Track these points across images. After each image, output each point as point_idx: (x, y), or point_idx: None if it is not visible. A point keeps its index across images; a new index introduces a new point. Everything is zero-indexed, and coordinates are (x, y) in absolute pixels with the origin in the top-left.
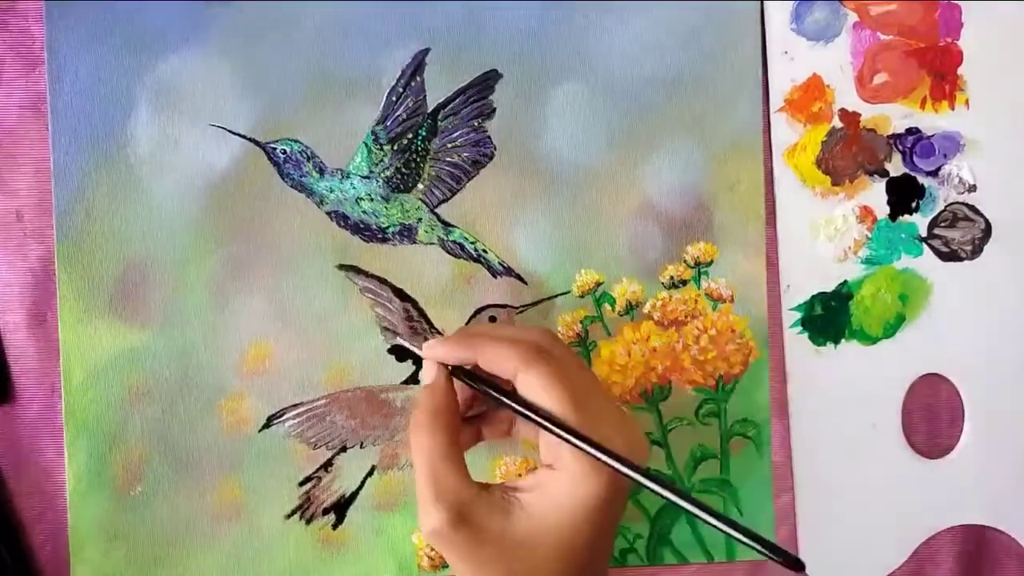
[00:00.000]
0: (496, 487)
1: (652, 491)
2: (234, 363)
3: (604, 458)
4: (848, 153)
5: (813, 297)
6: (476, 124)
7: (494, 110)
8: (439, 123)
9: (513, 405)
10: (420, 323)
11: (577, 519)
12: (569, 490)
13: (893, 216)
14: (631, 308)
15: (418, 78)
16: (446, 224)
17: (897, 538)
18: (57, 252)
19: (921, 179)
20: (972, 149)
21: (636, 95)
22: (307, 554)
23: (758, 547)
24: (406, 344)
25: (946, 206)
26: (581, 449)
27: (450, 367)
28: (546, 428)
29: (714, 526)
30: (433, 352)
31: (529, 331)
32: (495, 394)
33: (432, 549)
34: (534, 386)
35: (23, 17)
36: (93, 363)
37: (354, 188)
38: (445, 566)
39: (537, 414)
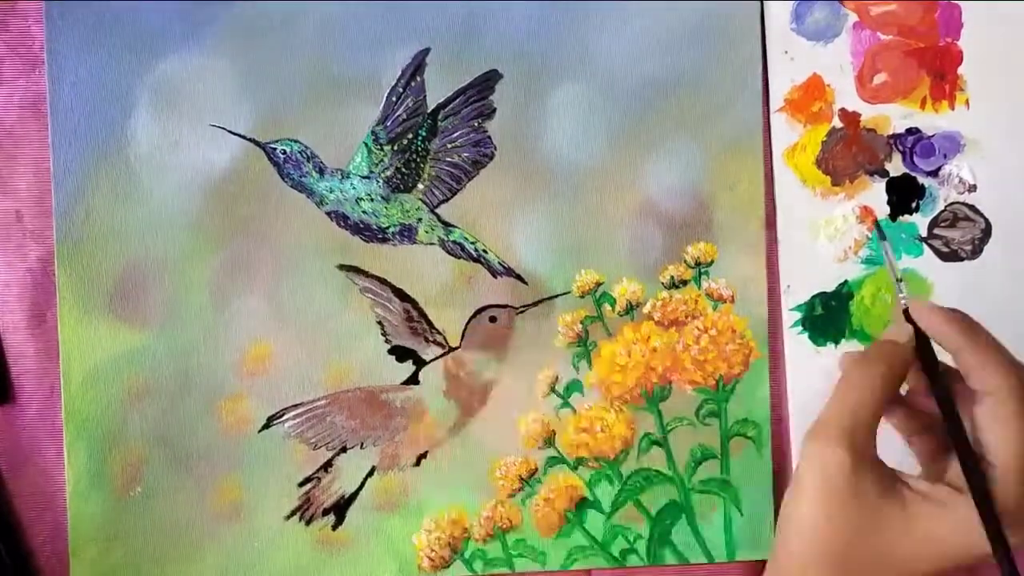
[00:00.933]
0: (890, 472)
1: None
2: (234, 363)
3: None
4: (848, 153)
5: (813, 297)
6: (476, 124)
7: (494, 110)
8: (439, 123)
9: (947, 413)
10: (420, 323)
11: (932, 552)
12: (958, 526)
13: (893, 216)
14: (631, 308)
15: (418, 78)
16: (446, 224)
17: None
18: (57, 252)
19: (921, 179)
20: (972, 149)
21: (636, 95)
22: (307, 555)
23: None
24: (891, 260)
25: (946, 206)
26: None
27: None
28: (969, 461)
29: None
30: (922, 312)
31: (1016, 361)
32: (938, 389)
33: (432, 550)
34: (997, 415)
35: (23, 17)
36: (93, 363)
37: (354, 188)
38: (445, 567)
39: (974, 440)
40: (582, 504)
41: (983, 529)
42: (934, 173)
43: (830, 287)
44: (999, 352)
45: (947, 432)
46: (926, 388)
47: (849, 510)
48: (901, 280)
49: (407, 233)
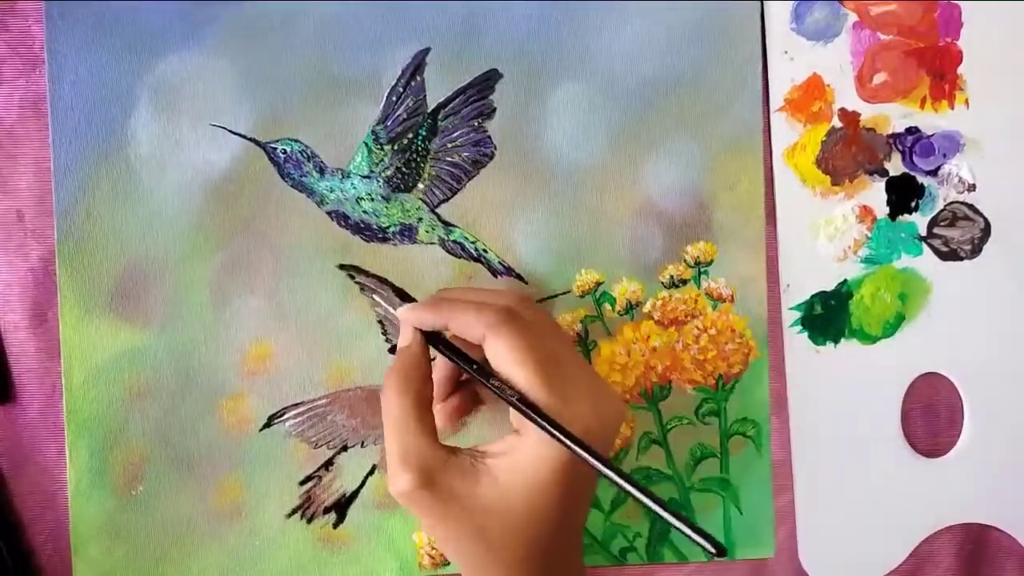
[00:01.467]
0: (465, 452)
1: (597, 470)
2: (235, 363)
3: (559, 436)
4: (848, 153)
5: (813, 297)
6: (476, 124)
7: (494, 110)
8: (439, 123)
9: (474, 374)
10: None
11: (544, 483)
12: (535, 455)
13: (893, 216)
14: (631, 308)
15: (418, 78)
16: (446, 224)
17: (896, 537)
18: (58, 252)
19: (921, 179)
20: (972, 149)
21: (636, 95)
22: (307, 553)
23: (684, 528)
24: (383, 305)
25: (945, 205)
26: (536, 423)
27: (424, 332)
28: (505, 399)
29: (645, 505)
30: (407, 316)
31: (501, 294)
32: (459, 362)
33: (433, 548)
34: (500, 352)
35: (23, 17)
36: (94, 363)
37: (354, 188)
38: (446, 564)
39: (501, 382)
40: None
41: (553, 437)
42: (933, 173)
43: (830, 286)
44: (467, 305)
45: (477, 378)
46: (451, 361)
47: (452, 517)
48: (386, 307)
49: (407, 233)
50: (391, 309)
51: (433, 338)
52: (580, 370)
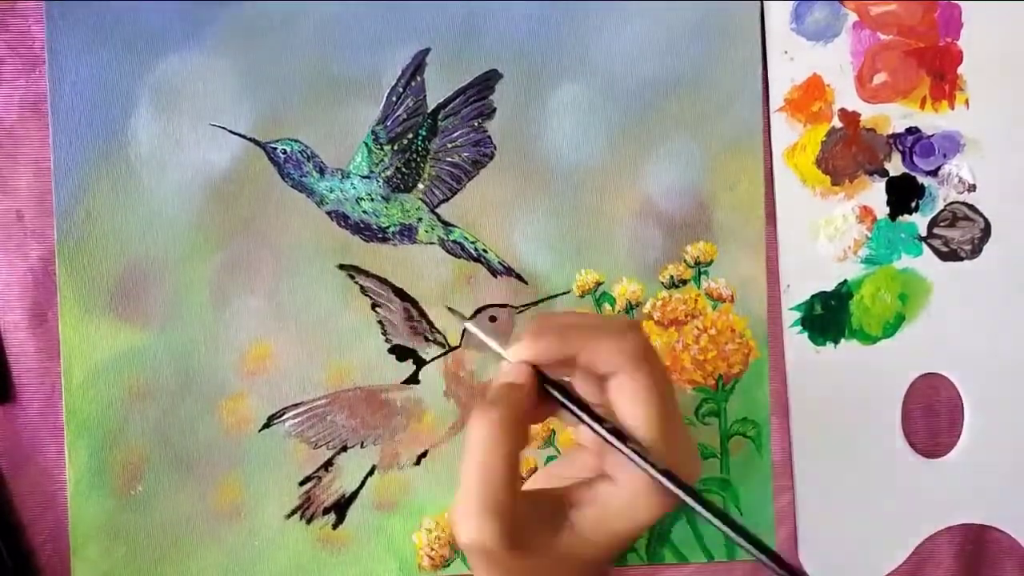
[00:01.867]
0: (547, 499)
1: (708, 520)
2: (234, 363)
3: (672, 487)
4: (848, 153)
5: (813, 297)
6: (476, 124)
7: (494, 110)
8: (439, 123)
9: (590, 423)
10: (420, 323)
11: (628, 535)
12: (628, 510)
13: (893, 216)
14: (631, 308)
15: (418, 78)
16: (446, 224)
17: (897, 537)
18: (57, 252)
19: (921, 179)
20: (972, 149)
21: (636, 95)
22: (307, 554)
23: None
24: (489, 343)
25: (946, 206)
26: (653, 477)
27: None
28: (621, 450)
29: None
30: (528, 351)
31: (628, 328)
32: (572, 408)
33: (432, 549)
34: (630, 392)
35: (23, 17)
36: (93, 363)
37: (354, 188)
38: (445, 566)
39: (613, 426)
40: None
41: (660, 484)
42: (934, 173)
43: (830, 287)
44: (600, 333)
45: (610, 436)
46: (559, 404)
47: (522, 566)
48: (495, 346)
49: (407, 233)
50: (500, 350)
51: (542, 376)
52: (681, 420)
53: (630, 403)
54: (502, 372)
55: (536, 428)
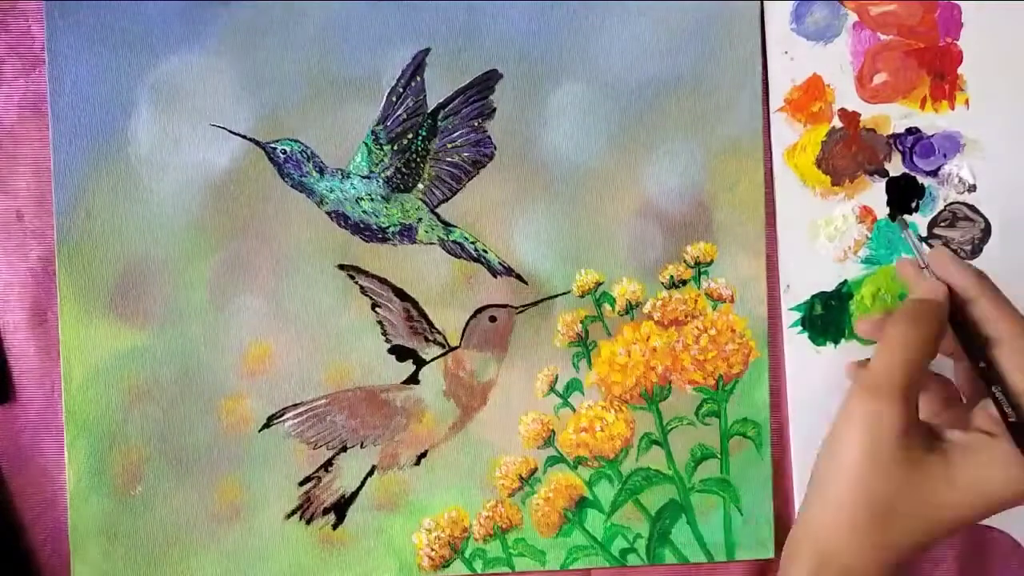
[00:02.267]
0: (928, 423)
1: None
2: (234, 363)
3: None
4: (848, 153)
5: (813, 297)
6: (476, 124)
7: (494, 110)
8: (439, 123)
9: (977, 369)
10: (420, 323)
11: (990, 500)
12: (1001, 466)
13: (893, 216)
14: (631, 308)
15: (418, 78)
16: (446, 224)
17: None
18: (57, 252)
19: (921, 179)
20: (972, 149)
21: (636, 95)
22: (307, 554)
23: None
24: (916, 248)
25: (946, 206)
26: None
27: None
28: (1000, 407)
29: None
30: (947, 265)
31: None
32: (967, 343)
33: (432, 549)
34: (1020, 366)
35: (23, 17)
36: (93, 363)
37: (354, 188)
38: (445, 566)
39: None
40: (582, 503)
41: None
42: (934, 173)
43: (830, 287)
44: (1009, 304)
45: (980, 377)
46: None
47: (898, 464)
48: (920, 251)
49: (407, 233)
50: (920, 256)
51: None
52: None
53: (1014, 370)
54: (918, 290)
55: (536, 428)
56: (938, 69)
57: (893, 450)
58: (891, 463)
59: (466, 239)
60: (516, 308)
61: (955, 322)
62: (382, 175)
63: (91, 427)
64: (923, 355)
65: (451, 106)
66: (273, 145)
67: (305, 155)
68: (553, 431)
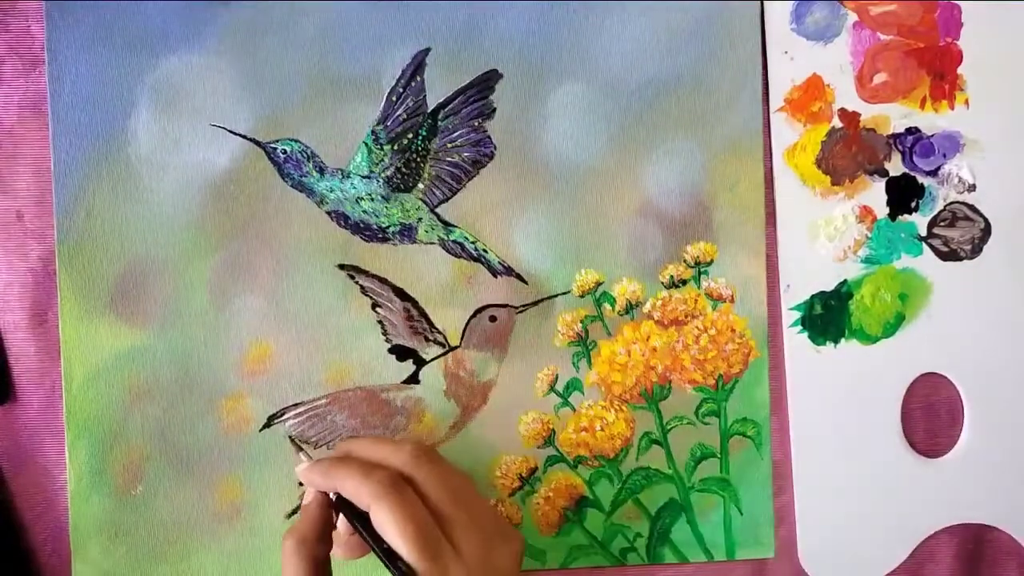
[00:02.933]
0: None
1: None
2: (234, 363)
3: None
4: (848, 153)
5: (813, 297)
6: (476, 124)
7: (494, 110)
8: (439, 123)
9: (367, 540)
10: (420, 323)
11: None
12: None
13: (893, 216)
14: (631, 308)
15: (418, 78)
16: (446, 224)
17: (896, 537)
18: (58, 252)
19: (921, 179)
20: (972, 149)
21: (636, 95)
22: None
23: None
24: (300, 456)
25: (945, 206)
26: None
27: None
28: (391, 570)
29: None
30: (304, 476)
31: (397, 452)
32: (354, 524)
33: None
34: (382, 525)
35: (23, 17)
36: (94, 362)
37: (354, 188)
38: None
39: (388, 551)
40: (582, 503)
41: None
42: (933, 173)
43: (830, 287)
44: (355, 472)
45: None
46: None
47: None
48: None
49: (407, 233)
50: (297, 464)
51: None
52: (471, 523)
53: (383, 533)
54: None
55: (536, 427)
56: (938, 69)
57: None
58: None
59: (466, 239)
60: (516, 308)
61: (344, 510)
62: (382, 175)
63: (91, 427)
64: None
65: (451, 106)
66: (273, 145)
67: (305, 155)
68: (553, 431)
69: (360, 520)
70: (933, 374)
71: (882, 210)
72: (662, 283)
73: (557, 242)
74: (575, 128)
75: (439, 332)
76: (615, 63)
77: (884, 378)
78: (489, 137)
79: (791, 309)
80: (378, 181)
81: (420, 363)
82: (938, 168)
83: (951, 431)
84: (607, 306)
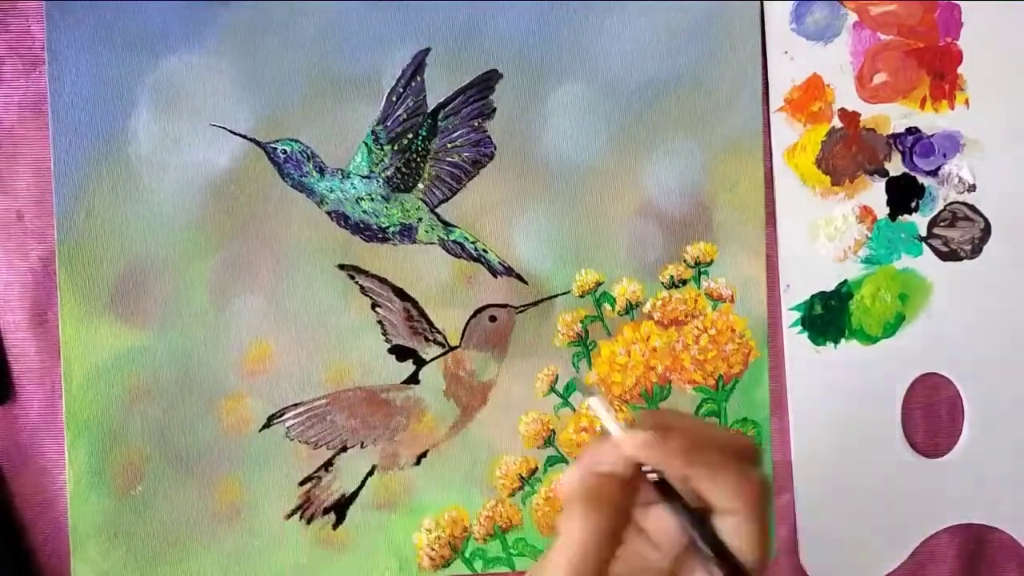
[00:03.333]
0: None
1: None
2: (234, 363)
3: None
4: (848, 153)
5: (813, 297)
6: (476, 124)
7: (494, 110)
8: (439, 123)
9: (696, 536)
10: (420, 323)
11: None
12: None
13: (893, 216)
14: (631, 308)
15: (418, 78)
16: (446, 224)
17: (897, 537)
18: (58, 252)
19: (921, 179)
20: (972, 149)
21: (636, 95)
22: (307, 554)
23: None
24: (607, 422)
25: (946, 206)
26: None
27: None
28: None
29: None
30: (644, 452)
31: (752, 464)
32: (682, 514)
33: (432, 549)
34: (743, 535)
35: (23, 17)
36: (93, 363)
37: (354, 188)
38: (445, 566)
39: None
40: None
41: None
42: (934, 173)
43: (830, 287)
44: (726, 468)
45: (704, 545)
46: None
47: None
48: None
49: (407, 233)
50: (616, 430)
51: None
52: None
53: (738, 543)
54: (603, 454)
55: (536, 427)
56: (938, 69)
57: None
58: None
59: (466, 239)
60: (516, 308)
61: (670, 500)
62: (382, 175)
63: (91, 427)
64: (595, 544)
65: (451, 106)
66: (273, 145)
67: (305, 155)
68: (553, 431)
69: (687, 512)
70: (933, 374)
71: (882, 210)
72: (662, 283)
73: (557, 242)
74: (575, 128)
75: (439, 332)
76: (615, 63)
77: (884, 378)
78: (489, 137)
79: (791, 309)
80: (378, 181)
81: (420, 363)
82: (938, 168)
83: (951, 431)
84: (607, 306)
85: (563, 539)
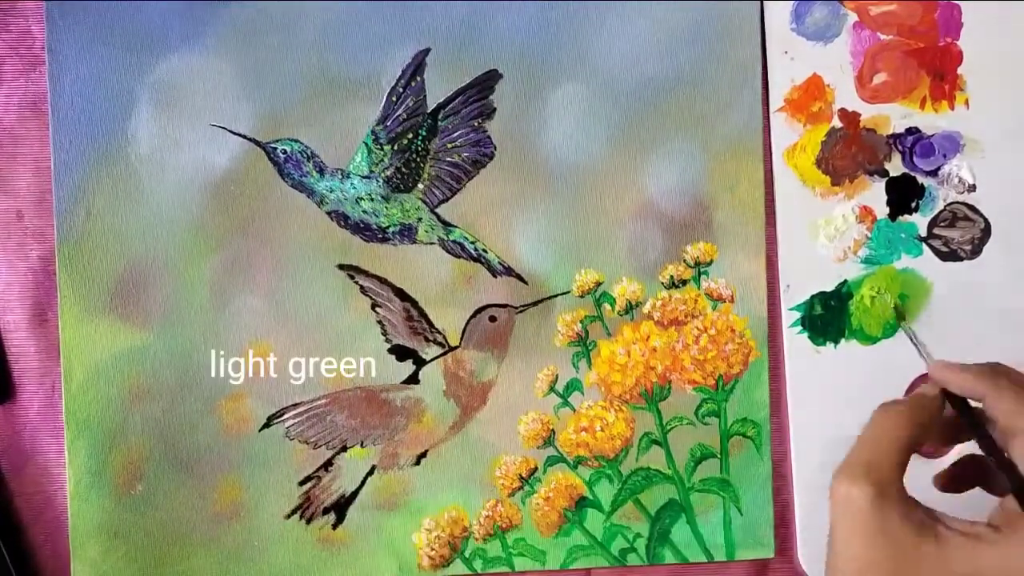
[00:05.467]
0: (928, 511)
1: None
2: (234, 363)
3: None
4: (848, 153)
5: (813, 297)
6: (476, 124)
7: (494, 110)
8: (439, 123)
9: (996, 465)
10: (420, 323)
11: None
12: (1001, 561)
13: (893, 216)
14: (631, 308)
15: (418, 78)
16: (446, 224)
17: None
18: (58, 252)
19: (921, 179)
20: (972, 149)
21: (636, 95)
22: (307, 553)
23: None
24: (921, 350)
25: (946, 206)
26: None
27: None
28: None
29: None
30: (947, 374)
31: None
32: (981, 442)
33: (432, 549)
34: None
35: (23, 17)
36: (94, 362)
37: (354, 188)
38: (445, 566)
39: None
40: (582, 503)
41: None
42: (934, 173)
43: (829, 287)
44: (1009, 391)
45: (997, 467)
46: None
47: (879, 546)
48: (924, 354)
49: (407, 233)
50: (925, 357)
51: (961, 404)
52: None
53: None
54: (947, 376)
55: (536, 428)
56: (938, 69)
57: (869, 531)
58: (870, 545)
59: (466, 239)
60: (516, 308)
61: (969, 418)
62: (382, 175)
63: (91, 427)
64: (897, 438)
65: (451, 106)
66: (273, 145)
67: (305, 155)
68: (553, 431)
69: (986, 440)
70: None
71: (882, 210)
72: (662, 283)
73: (557, 242)
74: (575, 128)
75: (439, 332)
76: (615, 63)
77: (884, 378)
78: (489, 137)
79: (791, 309)
80: (378, 181)
81: (420, 363)
82: (938, 168)
83: None
84: (607, 306)
85: (869, 428)
